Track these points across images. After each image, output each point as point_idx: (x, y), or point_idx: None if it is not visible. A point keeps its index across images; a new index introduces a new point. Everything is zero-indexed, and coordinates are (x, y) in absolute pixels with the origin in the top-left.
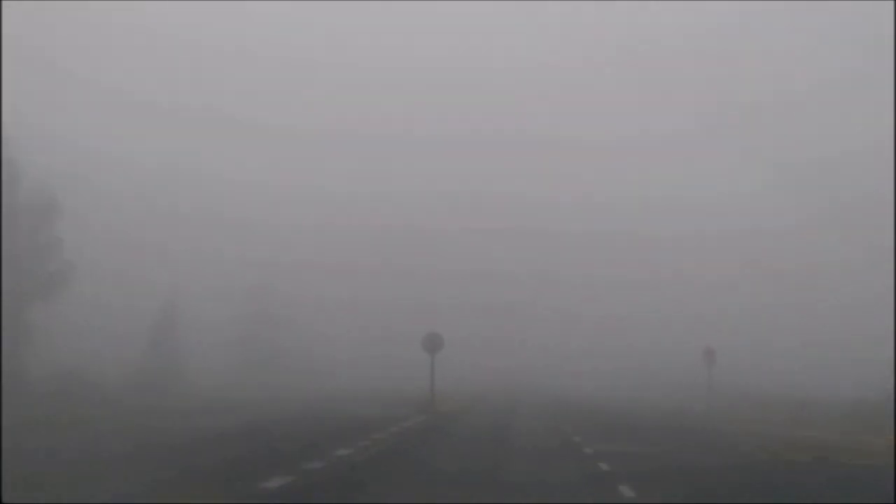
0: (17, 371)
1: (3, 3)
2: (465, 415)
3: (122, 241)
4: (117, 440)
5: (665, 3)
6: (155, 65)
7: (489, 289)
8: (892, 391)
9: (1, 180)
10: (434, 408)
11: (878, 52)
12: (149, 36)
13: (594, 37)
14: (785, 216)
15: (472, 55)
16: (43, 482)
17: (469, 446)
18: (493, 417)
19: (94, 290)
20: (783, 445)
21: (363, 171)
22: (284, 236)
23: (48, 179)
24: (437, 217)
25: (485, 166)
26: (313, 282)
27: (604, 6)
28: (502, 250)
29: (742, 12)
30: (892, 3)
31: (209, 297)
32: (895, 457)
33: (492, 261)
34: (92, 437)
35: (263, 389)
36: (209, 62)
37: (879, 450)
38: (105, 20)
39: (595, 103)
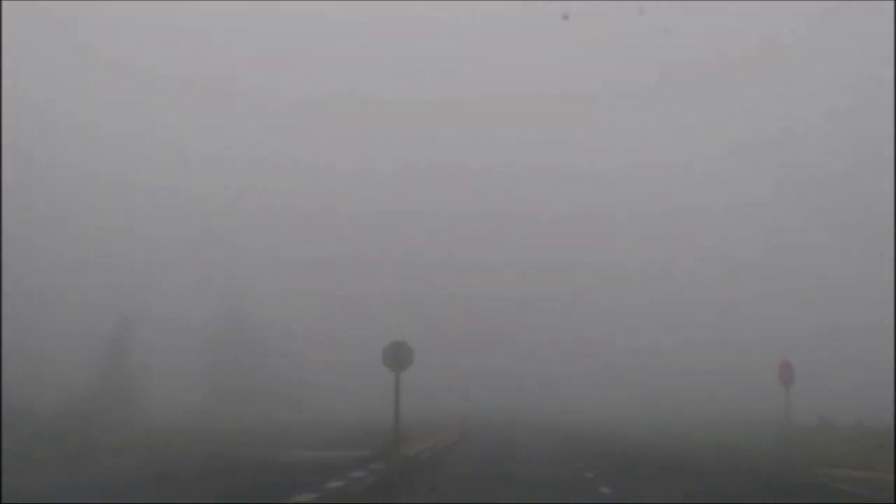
0: None
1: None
2: (439, 464)
3: (71, 259)
4: None
5: None
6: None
7: (500, 314)
8: None
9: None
10: (399, 449)
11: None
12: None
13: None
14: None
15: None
16: None
17: None
18: (484, 465)
19: (35, 311)
20: None
21: (338, 193)
22: (253, 258)
23: None
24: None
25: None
26: (290, 305)
27: None
28: (523, 268)
29: None
30: (893, 2)
31: (173, 321)
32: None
33: (508, 284)
34: None
35: (223, 422)
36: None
37: None
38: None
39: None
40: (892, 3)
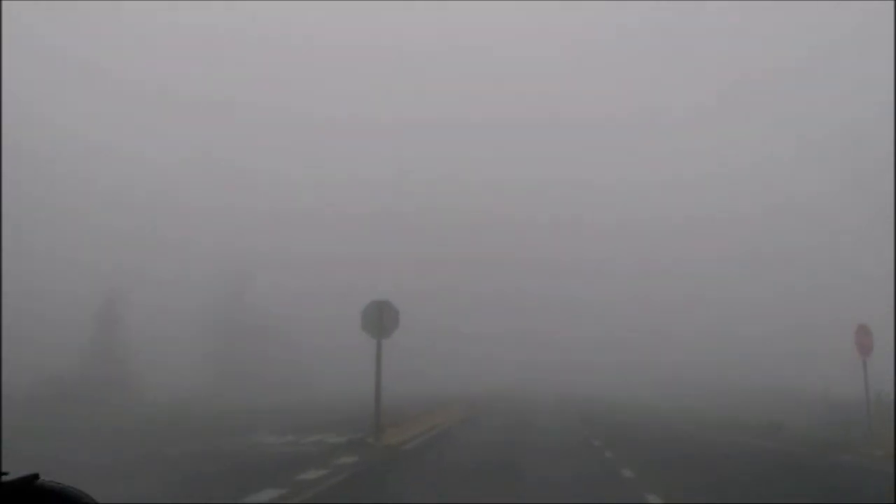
0: None
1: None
2: (428, 456)
3: (67, 247)
4: None
5: None
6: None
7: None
8: None
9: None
10: (380, 436)
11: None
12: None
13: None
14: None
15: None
16: None
17: None
18: (486, 458)
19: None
20: None
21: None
22: (251, 251)
23: None
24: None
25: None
26: (288, 291)
27: None
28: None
29: None
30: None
31: (169, 306)
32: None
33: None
34: None
35: (211, 406)
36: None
37: None
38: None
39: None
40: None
